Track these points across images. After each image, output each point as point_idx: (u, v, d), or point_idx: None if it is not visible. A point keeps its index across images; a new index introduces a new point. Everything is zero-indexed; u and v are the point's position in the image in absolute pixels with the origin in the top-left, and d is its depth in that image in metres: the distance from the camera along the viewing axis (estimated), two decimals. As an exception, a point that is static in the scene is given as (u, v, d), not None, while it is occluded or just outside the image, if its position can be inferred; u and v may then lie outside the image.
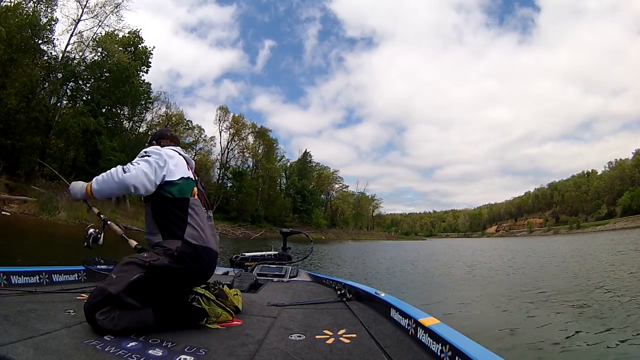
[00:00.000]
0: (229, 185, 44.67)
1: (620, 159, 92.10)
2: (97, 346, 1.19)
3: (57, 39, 23.13)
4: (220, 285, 1.76)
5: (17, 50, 19.07)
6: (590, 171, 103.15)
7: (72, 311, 1.55)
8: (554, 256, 15.12)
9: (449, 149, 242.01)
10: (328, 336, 1.46)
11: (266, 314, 1.81)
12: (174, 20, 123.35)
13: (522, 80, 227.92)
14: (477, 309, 5.43)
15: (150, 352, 1.18)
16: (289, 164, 59.34)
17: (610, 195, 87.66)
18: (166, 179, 1.64)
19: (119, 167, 1.60)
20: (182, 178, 1.69)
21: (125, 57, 24.59)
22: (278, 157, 55.34)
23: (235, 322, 1.62)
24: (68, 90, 24.83)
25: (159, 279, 1.50)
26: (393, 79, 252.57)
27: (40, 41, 21.54)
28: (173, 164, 1.69)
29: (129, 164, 1.63)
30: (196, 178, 1.82)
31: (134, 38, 27.40)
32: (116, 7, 25.07)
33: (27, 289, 1.86)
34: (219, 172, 44.50)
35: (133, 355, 1.14)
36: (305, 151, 64.00)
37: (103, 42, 24.40)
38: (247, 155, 48.29)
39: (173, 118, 34.67)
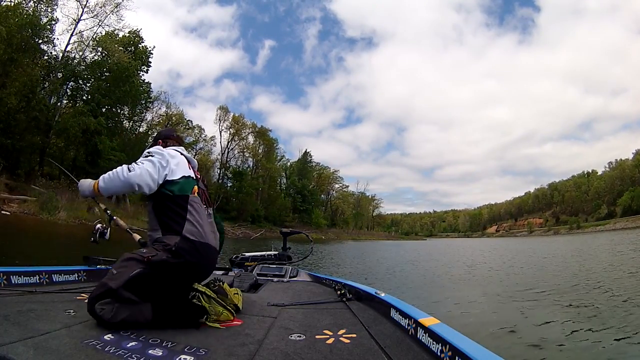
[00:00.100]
0: (229, 185, 44.76)
1: (621, 159, 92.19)
2: (97, 346, 1.19)
3: (57, 39, 23.24)
4: (220, 283, 1.77)
5: (18, 50, 19.09)
6: (591, 171, 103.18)
7: (72, 311, 1.55)
8: (554, 256, 15.12)
9: (449, 149, 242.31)
10: (328, 336, 1.46)
11: (266, 314, 1.81)
12: (174, 20, 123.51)
13: (522, 80, 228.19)
14: (477, 308, 5.43)
15: (150, 352, 1.18)
16: (289, 163, 59.46)
17: (610, 196, 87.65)
18: (168, 178, 1.69)
19: (125, 167, 1.66)
20: (183, 177, 1.73)
21: (126, 56, 24.58)
22: (278, 157, 55.43)
23: (235, 322, 1.62)
24: (68, 90, 24.87)
25: (158, 275, 1.53)
26: (393, 79, 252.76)
27: (40, 41, 21.57)
28: (175, 163, 1.74)
29: (133, 163, 1.68)
30: (197, 177, 1.87)
31: (134, 38, 27.40)
32: (116, 7, 25.13)
33: (27, 289, 1.86)
34: (219, 171, 44.59)
35: (133, 355, 1.14)
36: (306, 151, 64.13)
37: (103, 42, 24.42)
38: (247, 155, 48.39)
39: (173, 118, 34.67)
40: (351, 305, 2.01)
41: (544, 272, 9.86)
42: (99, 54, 24.92)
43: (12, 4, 19.68)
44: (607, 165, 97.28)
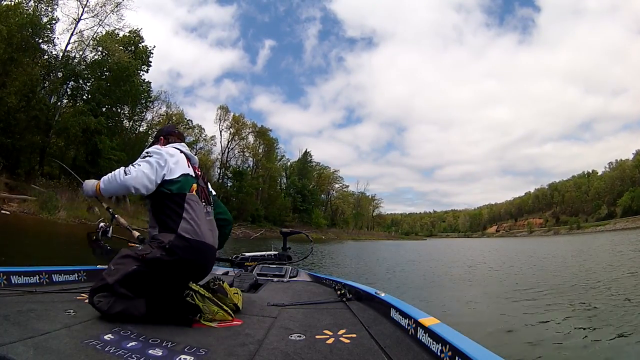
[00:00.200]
0: (229, 184, 44.74)
1: (621, 160, 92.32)
2: (97, 346, 1.19)
3: (58, 38, 23.24)
4: (220, 282, 1.77)
5: (18, 49, 19.08)
6: (591, 171, 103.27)
7: (72, 311, 1.55)
8: (553, 256, 15.12)
9: (449, 149, 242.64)
10: (328, 336, 1.46)
11: (266, 314, 1.80)
12: (174, 20, 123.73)
13: (522, 80, 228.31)
14: (477, 308, 5.44)
15: (150, 352, 1.18)
16: (289, 163, 59.49)
17: (610, 196, 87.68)
18: (166, 177, 1.70)
19: (122, 169, 1.69)
20: (182, 175, 1.74)
21: (126, 56, 24.57)
22: (278, 157, 55.45)
23: (235, 322, 1.62)
24: (68, 90, 24.85)
25: (153, 272, 1.57)
26: (393, 79, 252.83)
27: (40, 40, 21.58)
28: (173, 162, 1.74)
29: (130, 165, 1.70)
30: (198, 174, 1.88)
31: (135, 37, 27.38)
32: (116, 7, 25.11)
33: (27, 289, 1.86)
34: (219, 171, 44.63)
35: (133, 355, 1.14)
36: (306, 151, 64.12)
37: (103, 42, 24.42)
38: (247, 155, 48.42)
39: (173, 117, 34.67)
40: (351, 305, 2.01)
41: (544, 272, 9.86)
42: (99, 53, 24.92)
43: (13, 3, 19.67)
44: (607, 166, 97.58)
